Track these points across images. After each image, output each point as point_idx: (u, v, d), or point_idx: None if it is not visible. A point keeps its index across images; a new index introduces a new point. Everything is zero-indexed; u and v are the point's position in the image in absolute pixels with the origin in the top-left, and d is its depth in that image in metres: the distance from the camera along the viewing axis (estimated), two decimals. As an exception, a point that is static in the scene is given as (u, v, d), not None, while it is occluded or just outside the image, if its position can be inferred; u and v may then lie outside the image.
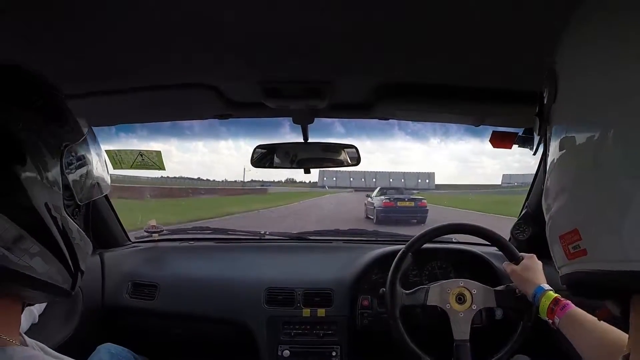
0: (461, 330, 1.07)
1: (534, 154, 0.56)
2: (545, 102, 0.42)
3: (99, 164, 0.60)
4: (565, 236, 0.38)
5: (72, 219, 0.53)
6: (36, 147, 0.48)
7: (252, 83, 0.91)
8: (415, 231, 1.24)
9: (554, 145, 0.41)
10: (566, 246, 0.38)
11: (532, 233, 1.41)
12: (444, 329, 1.09)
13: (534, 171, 1.42)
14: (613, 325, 0.90)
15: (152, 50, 0.77)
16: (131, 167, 1.28)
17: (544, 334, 0.90)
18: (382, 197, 11.65)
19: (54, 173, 0.49)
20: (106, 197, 1.49)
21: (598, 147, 0.33)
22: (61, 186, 0.50)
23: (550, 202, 0.42)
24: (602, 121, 0.33)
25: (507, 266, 1.08)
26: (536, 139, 0.48)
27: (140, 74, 0.89)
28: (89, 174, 0.56)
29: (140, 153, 1.28)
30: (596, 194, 0.34)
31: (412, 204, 11.35)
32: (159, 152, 1.30)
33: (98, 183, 0.59)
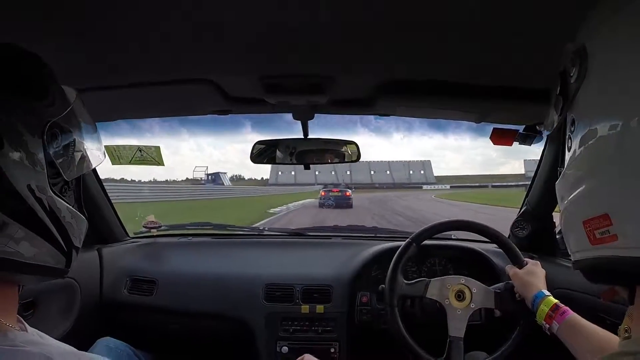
0: (457, 327, 1.07)
1: (549, 133, 0.53)
2: (572, 80, 0.40)
3: (88, 135, 0.57)
4: (592, 221, 0.37)
5: (61, 197, 0.51)
6: (13, 128, 0.45)
7: (253, 78, 0.90)
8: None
9: (579, 126, 0.39)
10: (591, 231, 0.37)
11: (531, 230, 1.41)
12: (441, 326, 1.09)
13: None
14: (616, 305, 0.91)
15: (152, 46, 0.76)
16: (130, 163, 1.28)
17: (544, 335, 0.90)
18: (323, 189, 20.55)
19: (36, 152, 0.47)
20: (104, 192, 1.48)
21: (625, 131, 0.33)
22: (45, 165, 0.48)
23: (570, 187, 0.41)
24: (631, 106, 0.33)
25: (510, 269, 1.08)
26: (553, 120, 0.46)
27: (139, 70, 0.89)
28: (76, 147, 0.53)
29: (139, 148, 1.27)
30: (624, 177, 0.33)
31: (340, 193, 18.35)
32: (158, 147, 1.30)
33: (87, 156, 0.56)
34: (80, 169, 0.55)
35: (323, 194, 18.41)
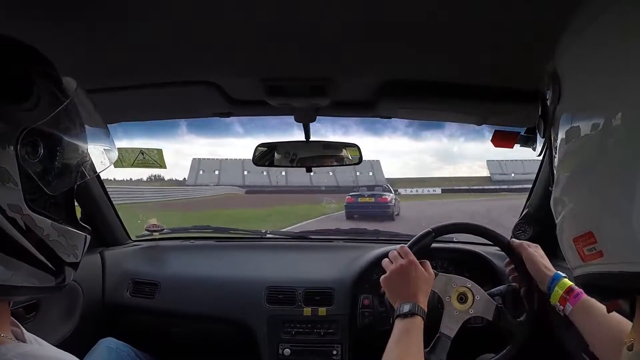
0: (449, 327, 1.05)
1: (539, 155, 0.56)
2: (549, 103, 0.43)
3: (91, 137, 0.51)
4: (579, 239, 0.38)
5: (44, 214, 0.45)
6: None
7: (255, 80, 0.91)
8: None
9: (559, 146, 0.41)
10: (581, 249, 0.38)
11: (533, 233, 1.41)
12: (434, 321, 1.07)
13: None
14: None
15: (155, 48, 0.76)
16: (132, 165, 1.28)
17: (544, 335, 0.90)
18: (350, 194, 13.95)
19: (6, 166, 0.41)
20: (107, 195, 1.48)
21: (603, 135, 0.34)
22: (19, 180, 0.42)
23: (560, 205, 0.42)
24: (607, 111, 0.34)
25: (514, 241, 1.08)
26: (539, 140, 0.48)
27: (141, 72, 0.89)
28: (65, 156, 0.47)
29: (141, 151, 1.28)
30: (605, 190, 0.34)
31: (372, 199, 13.09)
32: (160, 150, 1.30)
33: (80, 165, 0.49)
34: (70, 180, 0.48)
35: (350, 199, 13.71)
